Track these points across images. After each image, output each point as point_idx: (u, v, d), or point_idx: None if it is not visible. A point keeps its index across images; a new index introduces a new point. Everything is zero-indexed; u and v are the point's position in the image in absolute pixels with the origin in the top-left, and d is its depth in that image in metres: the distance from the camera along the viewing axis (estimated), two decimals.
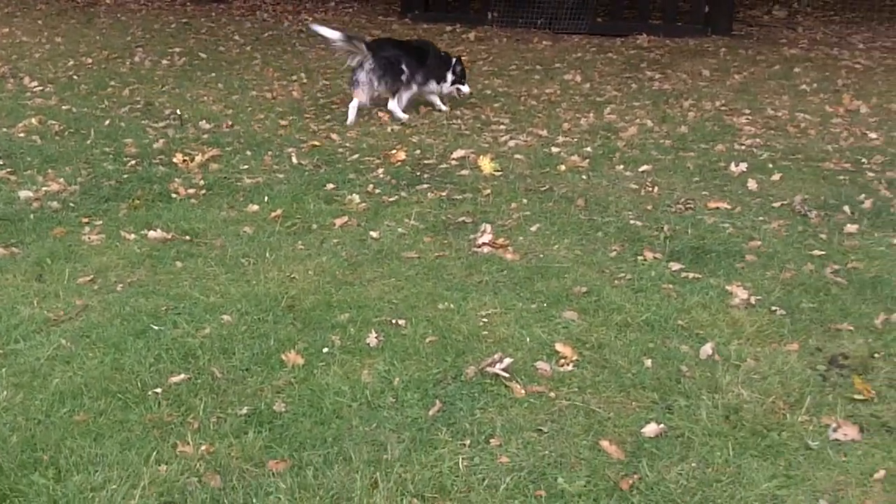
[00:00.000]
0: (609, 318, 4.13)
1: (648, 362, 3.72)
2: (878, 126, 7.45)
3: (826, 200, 5.63)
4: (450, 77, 7.92)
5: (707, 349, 3.79)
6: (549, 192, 5.84)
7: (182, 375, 3.60)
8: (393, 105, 7.65)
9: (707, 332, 3.98)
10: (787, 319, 4.10)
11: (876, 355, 3.81)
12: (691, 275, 4.56)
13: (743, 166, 6.24)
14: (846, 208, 5.46)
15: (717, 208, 5.53)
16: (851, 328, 4.03)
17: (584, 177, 6.18)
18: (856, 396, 3.48)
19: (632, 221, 5.32)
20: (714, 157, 6.54)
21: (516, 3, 11.89)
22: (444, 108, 8.00)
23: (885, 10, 11.99)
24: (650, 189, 5.89)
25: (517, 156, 6.63)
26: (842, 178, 6.12)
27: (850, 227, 5.18)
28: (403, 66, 7.59)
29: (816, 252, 4.85)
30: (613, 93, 8.69)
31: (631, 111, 7.94)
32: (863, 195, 5.70)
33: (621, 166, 6.37)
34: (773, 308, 4.20)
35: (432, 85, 7.92)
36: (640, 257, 4.81)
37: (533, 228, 5.22)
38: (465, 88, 8.04)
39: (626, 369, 3.67)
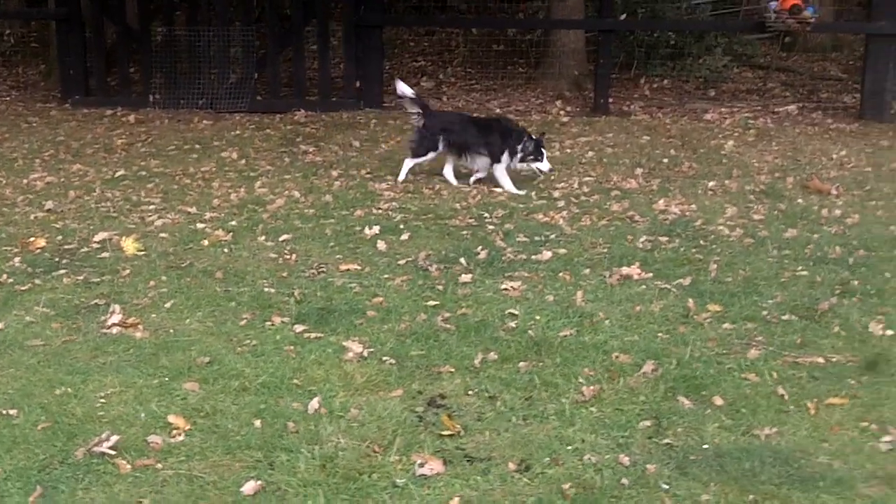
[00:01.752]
0: (228, 384, 4.25)
1: (258, 423, 3.87)
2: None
3: (447, 255, 6.08)
4: (519, 153, 7.88)
5: (314, 404, 4.00)
6: (189, 268, 5.91)
7: None
8: (406, 163, 8.25)
9: (319, 387, 4.20)
10: (396, 368, 4.40)
11: (470, 392, 4.17)
12: (313, 335, 4.79)
13: (376, 229, 6.61)
14: (462, 260, 5.93)
15: (348, 270, 5.82)
16: (452, 370, 4.38)
17: (226, 250, 6.30)
18: (444, 433, 3.79)
19: (266, 289, 5.49)
20: (352, 223, 6.88)
21: (178, 85, 11.93)
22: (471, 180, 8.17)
23: (518, 77, 13.08)
24: (288, 257, 6.10)
25: (162, 234, 6.66)
26: (465, 233, 6.63)
27: (465, 277, 5.63)
28: (439, 141, 8.05)
29: (431, 302, 5.23)
30: (267, 167, 8.90)
31: (282, 184, 8.17)
32: (480, 247, 6.20)
33: (263, 237, 6.55)
34: (385, 358, 4.49)
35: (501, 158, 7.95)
36: (268, 323, 4.98)
37: (167, 305, 5.27)
38: (543, 165, 7.92)
39: (235, 432, 3.80)
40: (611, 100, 11.85)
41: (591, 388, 4.14)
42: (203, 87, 11.85)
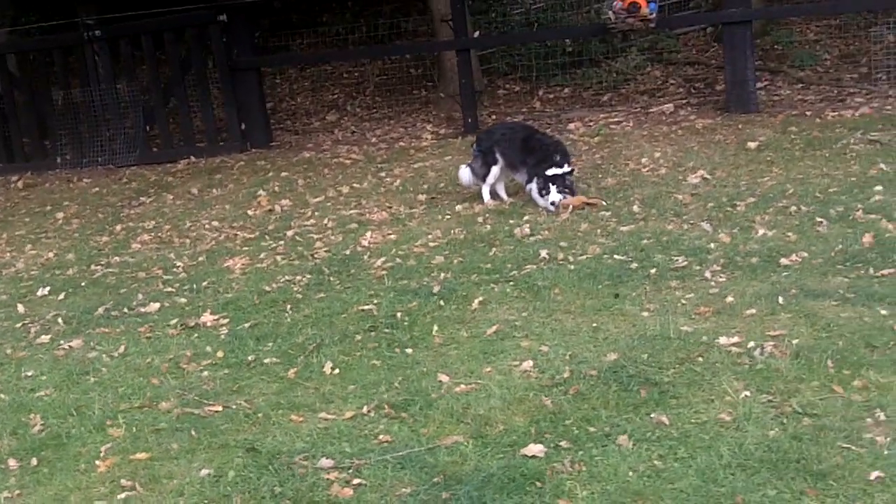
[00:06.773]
0: None
1: None
2: (278, 220, 8.02)
3: (73, 309, 6.12)
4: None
5: None
6: None
7: None
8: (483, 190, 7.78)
9: None
10: None
11: None
12: None
13: (47, 289, 6.70)
14: (58, 317, 5.97)
15: None
16: None
17: None
18: None
19: None
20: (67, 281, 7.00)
21: (82, 144, 12.30)
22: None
23: (417, 101, 12.84)
24: None
25: None
26: (134, 285, 6.60)
27: (44, 338, 5.69)
28: (497, 155, 7.66)
29: None
30: (75, 226, 9.06)
31: (56, 244, 8.33)
32: (114, 301, 6.21)
33: None
34: None
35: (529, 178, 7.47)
36: None
37: None
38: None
39: None
40: (493, 116, 11.51)
41: None
42: (102, 144, 12.25)
